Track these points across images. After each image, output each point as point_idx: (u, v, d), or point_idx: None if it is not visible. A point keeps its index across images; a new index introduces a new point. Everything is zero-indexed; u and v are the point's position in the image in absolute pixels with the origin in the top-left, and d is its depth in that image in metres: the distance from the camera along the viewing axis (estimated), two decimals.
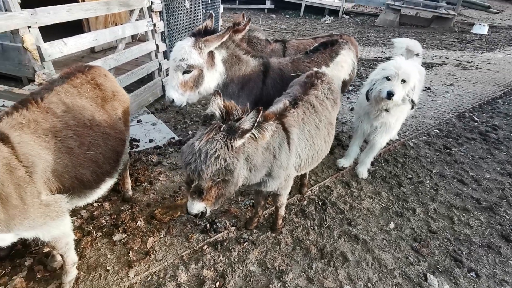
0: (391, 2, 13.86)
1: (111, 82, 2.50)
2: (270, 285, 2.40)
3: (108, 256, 2.54)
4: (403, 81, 2.81)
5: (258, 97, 3.06)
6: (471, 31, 12.86)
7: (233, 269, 2.51)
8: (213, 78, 2.76)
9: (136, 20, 4.56)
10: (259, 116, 1.69)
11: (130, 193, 3.14)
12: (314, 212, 3.13)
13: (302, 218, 3.06)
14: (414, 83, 2.85)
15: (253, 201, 3.16)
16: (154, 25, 4.93)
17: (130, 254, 2.56)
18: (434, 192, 3.53)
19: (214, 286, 2.37)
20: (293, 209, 3.14)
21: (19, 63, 3.04)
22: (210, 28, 2.62)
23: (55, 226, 1.84)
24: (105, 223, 2.84)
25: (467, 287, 2.49)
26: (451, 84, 6.66)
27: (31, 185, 1.64)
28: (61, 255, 2.12)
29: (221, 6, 7.63)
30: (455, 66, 7.99)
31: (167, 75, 5.80)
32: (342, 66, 3.32)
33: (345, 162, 3.75)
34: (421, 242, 2.87)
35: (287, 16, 16.15)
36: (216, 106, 1.77)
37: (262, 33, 3.48)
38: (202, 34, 2.57)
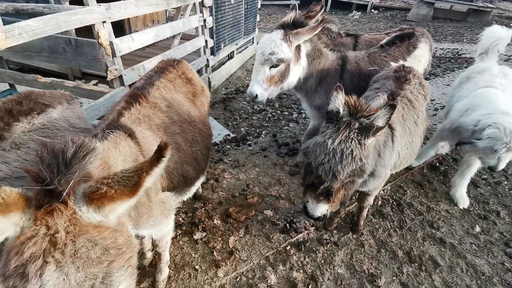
0: None
1: (197, 76, 2.45)
2: None
3: (193, 255, 2.50)
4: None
5: None
6: (511, 25, 12.22)
7: (322, 272, 2.41)
8: (296, 72, 2.66)
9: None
10: (393, 113, 1.57)
11: (201, 190, 3.10)
12: (391, 213, 2.99)
13: (381, 219, 2.92)
14: None
15: None
16: (204, 20, 4.88)
17: (214, 253, 2.51)
18: None
19: None
20: (370, 210, 3.01)
21: (92, 59, 3.02)
22: (298, 20, 2.51)
23: (166, 224, 1.79)
24: (182, 221, 2.80)
25: None
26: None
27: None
28: (159, 253, 2.08)
29: (259, 2, 7.54)
30: (505, 61, 7.58)
31: (212, 71, 5.78)
32: (420, 60, 3.14)
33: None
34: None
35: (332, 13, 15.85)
36: (340, 102, 1.67)
37: (336, 25, 3.35)
38: (291, 26, 2.46)
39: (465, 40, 9.93)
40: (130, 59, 4.75)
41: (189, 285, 2.27)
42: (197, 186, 2.22)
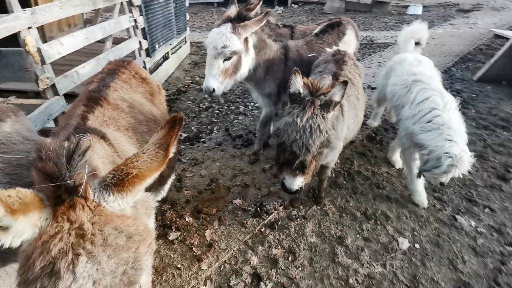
0: None
1: (151, 75, 2.39)
2: (336, 251, 2.56)
3: (172, 255, 2.46)
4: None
5: (282, 79, 3.15)
6: (407, 12, 14.27)
7: (297, 244, 2.62)
8: (247, 63, 2.78)
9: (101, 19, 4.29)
10: (346, 88, 1.80)
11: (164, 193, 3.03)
12: (345, 182, 3.36)
13: (337, 189, 3.26)
14: None
15: None
16: (135, 20, 4.68)
17: (194, 249, 2.51)
18: None
19: (288, 261, 2.46)
20: (327, 183, 3.32)
21: (19, 69, 2.69)
22: (242, 13, 2.62)
23: (149, 224, 1.76)
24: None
25: (489, 220, 2.93)
26: None
27: None
28: None
29: (187, 0, 7.45)
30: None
31: (150, 73, 5.55)
32: (350, 44, 3.55)
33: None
34: (440, 192, 3.27)
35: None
36: (299, 84, 1.84)
37: (274, 17, 3.54)
38: (237, 20, 2.57)
39: (374, 28, 11.28)
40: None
41: (175, 284, 2.25)
42: (168, 184, 2.20)
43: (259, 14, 3.02)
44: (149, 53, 5.31)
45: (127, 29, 4.57)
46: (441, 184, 2.92)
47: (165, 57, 6.57)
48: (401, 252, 2.59)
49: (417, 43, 3.92)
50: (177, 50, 7.18)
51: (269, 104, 3.26)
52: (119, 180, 0.94)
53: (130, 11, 4.52)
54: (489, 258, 2.53)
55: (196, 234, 2.65)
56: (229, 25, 2.52)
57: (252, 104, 5.32)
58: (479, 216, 2.97)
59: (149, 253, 0.96)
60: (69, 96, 3.34)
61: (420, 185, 3.05)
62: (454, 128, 2.59)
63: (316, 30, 3.58)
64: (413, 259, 2.53)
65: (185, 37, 7.65)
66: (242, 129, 4.45)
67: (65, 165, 0.92)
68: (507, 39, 5.81)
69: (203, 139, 4.19)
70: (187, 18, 7.59)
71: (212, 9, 16.09)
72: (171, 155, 1.02)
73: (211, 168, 3.56)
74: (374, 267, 2.45)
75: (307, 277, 2.36)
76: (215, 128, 4.53)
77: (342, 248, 2.59)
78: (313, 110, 1.72)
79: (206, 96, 5.34)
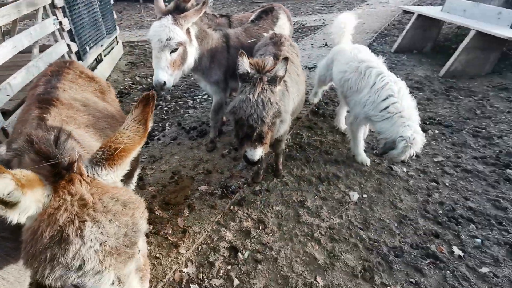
0: None
1: (95, 74, 2.36)
2: (299, 213, 2.87)
3: (148, 248, 2.52)
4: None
5: (227, 66, 3.31)
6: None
7: (265, 214, 2.86)
8: (192, 53, 2.87)
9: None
10: (288, 64, 2.04)
11: (133, 186, 3.02)
12: (298, 154, 3.69)
13: (292, 161, 3.57)
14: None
15: None
16: (60, 23, 4.37)
17: (169, 238, 2.60)
18: None
19: (259, 230, 2.69)
20: (282, 157, 3.61)
21: None
22: (180, 5, 2.69)
23: None
24: None
25: (416, 165, 3.50)
26: None
27: None
28: None
29: None
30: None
31: None
32: (284, 28, 3.83)
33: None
34: (377, 149, 3.79)
35: (166, 3, 15.60)
36: (247, 65, 2.03)
37: (209, 7, 3.64)
38: (176, 11, 2.63)
39: (303, 13, 11.93)
40: None
41: (157, 272, 2.33)
42: (135, 177, 2.24)
43: (194, 5, 3.11)
44: (80, 56, 5.00)
45: (53, 33, 4.25)
46: (402, 161, 3.13)
47: (99, 60, 6.22)
48: (353, 203, 3.00)
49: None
50: (110, 51, 6.82)
51: (218, 92, 3.40)
52: (109, 155, 1.04)
53: (54, 14, 4.21)
54: (419, 194, 3.07)
55: (168, 224, 2.73)
56: (170, 17, 2.58)
57: (200, 96, 5.38)
58: (408, 163, 3.53)
59: (143, 218, 1.08)
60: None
61: (361, 148, 3.50)
62: (407, 114, 2.88)
63: (252, 17, 3.79)
64: (363, 206, 2.95)
65: (116, 37, 7.28)
66: (194, 121, 4.52)
67: (54, 148, 0.99)
68: (413, 13, 6.71)
69: (157, 137, 4.17)
70: (115, 16, 7.22)
71: (138, 5, 15.30)
72: (149, 128, 1.13)
73: (171, 162, 3.61)
74: (333, 219, 2.81)
75: (278, 240, 2.62)
76: (167, 125, 4.52)
77: (304, 210, 2.91)
78: (262, 85, 1.93)
79: (157, 90, 5.24)
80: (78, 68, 2.20)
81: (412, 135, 2.79)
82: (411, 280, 2.29)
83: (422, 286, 2.24)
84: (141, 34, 9.55)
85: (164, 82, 2.70)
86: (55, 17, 4.24)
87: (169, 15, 2.59)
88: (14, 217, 0.93)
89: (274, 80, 1.99)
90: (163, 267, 2.37)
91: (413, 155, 2.90)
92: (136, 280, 1.10)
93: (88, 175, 1.03)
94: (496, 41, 5.16)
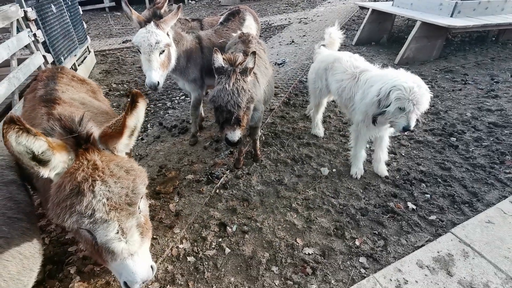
0: None
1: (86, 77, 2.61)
2: (278, 189, 3.24)
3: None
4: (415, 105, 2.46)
5: (201, 64, 3.63)
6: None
7: (248, 193, 3.21)
8: (173, 54, 3.17)
9: None
10: (256, 57, 2.41)
11: None
12: (273, 141, 4.07)
13: (269, 147, 3.95)
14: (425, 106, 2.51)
15: (230, 150, 3.84)
16: (35, 35, 4.50)
17: (163, 221, 2.88)
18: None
19: (244, 207, 3.04)
20: (260, 144, 3.98)
21: None
22: (155, 12, 2.98)
23: None
24: None
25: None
26: (304, 35, 8.66)
27: None
28: None
29: (80, 8, 7.15)
30: (299, 23, 10.18)
31: None
32: (251, 28, 4.21)
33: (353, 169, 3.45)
34: (343, 131, 4.25)
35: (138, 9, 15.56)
36: (221, 60, 2.37)
37: (182, 12, 3.92)
38: (155, 18, 2.92)
39: (269, 13, 12.41)
40: None
41: (155, 251, 2.61)
42: None
43: (167, 11, 3.41)
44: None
45: (29, 45, 4.36)
46: (405, 129, 2.56)
47: (73, 69, 6.30)
48: (324, 177, 3.41)
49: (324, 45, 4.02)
50: (83, 61, 6.90)
51: (196, 88, 3.71)
52: (103, 135, 1.39)
53: (28, 26, 4.33)
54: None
55: (161, 210, 3.01)
56: (152, 23, 2.85)
57: (177, 97, 5.64)
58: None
59: (143, 184, 1.41)
60: None
61: (360, 160, 3.30)
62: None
63: (221, 20, 4.14)
64: (333, 179, 3.38)
65: (87, 47, 7.36)
66: (175, 120, 4.79)
67: (77, 125, 1.32)
68: (368, 9, 7.33)
69: (140, 137, 4.40)
70: (85, 26, 7.30)
71: (104, 15, 15.16)
72: (130, 125, 1.42)
73: (157, 158, 3.87)
74: (308, 192, 3.21)
75: (262, 213, 2.97)
76: (148, 125, 4.76)
77: (282, 187, 3.29)
78: (236, 76, 2.28)
79: (150, 91, 5.37)
80: (70, 73, 2.45)
81: (410, 85, 2.40)
82: (374, 232, 2.72)
83: (383, 235, 2.68)
84: (111, 42, 9.61)
85: (158, 82, 2.95)
86: (29, 29, 4.37)
87: (150, 22, 2.87)
88: (45, 172, 1.24)
89: (245, 71, 2.34)
90: (161, 246, 2.66)
91: (419, 116, 2.50)
92: (136, 234, 1.39)
93: (98, 147, 1.36)
94: (440, 30, 5.83)
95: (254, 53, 2.39)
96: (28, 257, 1.63)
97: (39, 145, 1.16)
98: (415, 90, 2.41)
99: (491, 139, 3.81)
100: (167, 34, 3.01)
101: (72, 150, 1.29)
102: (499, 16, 6.26)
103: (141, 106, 1.42)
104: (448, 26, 5.44)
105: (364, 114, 2.94)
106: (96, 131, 1.40)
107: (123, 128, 1.39)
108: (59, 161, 1.24)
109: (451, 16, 5.97)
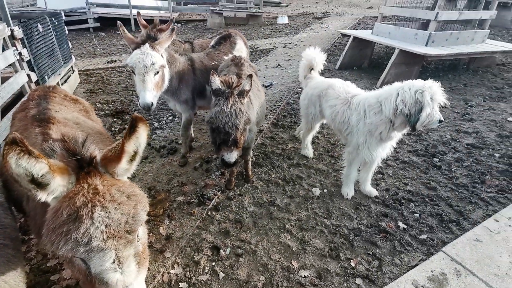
0: (213, 8, 15.96)
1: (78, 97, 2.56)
2: (271, 211, 3.22)
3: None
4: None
5: (193, 86, 3.66)
6: (277, 22, 16.62)
7: (240, 215, 3.16)
8: (167, 76, 3.18)
9: None
10: (252, 80, 2.47)
11: None
12: (264, 161, 4.09)
13: (260, 167, 3.95)
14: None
15: (221, 171, 3.81)
16: (20, 53, 4.41)
17: (153, 245, 2.77)
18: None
19: (237, 229, 2.98)
20: (251, 165, 3.98)
21: None
22: (150, 34, 3.01)
23: None
24: None
25: None
26: (289, 59, 8.97)
27: None
28: None
29: (66, 28, 7.12)
30: (283, 47, 10.56)
31: None
32: (241, 51, 4.32)
33: (345, 189, 3.49)
34: (332, 151, 4.34)
35: (118, 32, 15.64)
36: (218, 82, 2.41)
37: (175, 34, 3.98)
38: (150, 40, 2.95)
39: (254, 38, 12.83)
40: None
41: (146, 277, 2.48)
42: None
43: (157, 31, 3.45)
44: (40, 85, 4.98)
45: (13, 64, 4.26)
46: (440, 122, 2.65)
47: None
48: (316, 197, 3.43)
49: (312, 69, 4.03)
50: (66, 80, 6.78)
51: (187, 109, 3.72)
52: (103, 159, 1.33)
53: (13, 45, 4.25)
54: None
55: (151, 234, 2.89)
56: (146, 45, 2.87)
57: (165, 118, 5.60)
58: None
59: (144, 210, 1.33)
60: None
61: (352, 182, 3.39)
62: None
63: (212, 43, 4.23)
64: (324, 199, 3.40)
65: (72, 66, 7.27)
66: (163, 140, 4.73)
67: (81, 147, 1.27)
68: (350, 36, 7.75)
69: None
70: (70, 46, 7.24)
71: (88, 35, 15.11)
72: (128, 150, 1.36)
73: (145, 179, 3.77)
74: (301, 213, 3.21)
75: (255, 235, 2.93)
76: None
77: (275, 208, 3.27)
78: (233, 98, 2.31)
79: (142, 112, 5.22)
80: (62, 92, 2.40)
81: (418, 83, 2.54)
82: (369, 252, 2.73)
83: (377, 255, 2.69)
84: (96, 62, 9.52)
85: (152, 103, 2.93)
86: (14, 48, 4.28)
87: (145, 43, 2.89)
88: (43, 196, 1.17)
89: (242, 94, 2.38)
90: (151, 272, 2.53)
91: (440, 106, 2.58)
92: (133, 264, 1.29)
93: (100, 170, 1.30)
94: (416, 57, 6.23)
95: (251, 76, 2.45)
96: (13, 286, 1.52)
97: (39, 167, 1.11)
98: (429, 85, 2.53)
99: (471, 159, 4.01)
100: (161, 56, 3.04)
101: (73, 173, 1.23)
102: (469, 45, 6.79)
103: (142, 131, 1.37)
104: (424, 54, 5.83)
105: (366, 134, 2.99)
106: (98, 154, 1.36)
107: (121, 153, 1.33)
108: (59, 185, 1.18)
109: (426, 45, 6.41)
